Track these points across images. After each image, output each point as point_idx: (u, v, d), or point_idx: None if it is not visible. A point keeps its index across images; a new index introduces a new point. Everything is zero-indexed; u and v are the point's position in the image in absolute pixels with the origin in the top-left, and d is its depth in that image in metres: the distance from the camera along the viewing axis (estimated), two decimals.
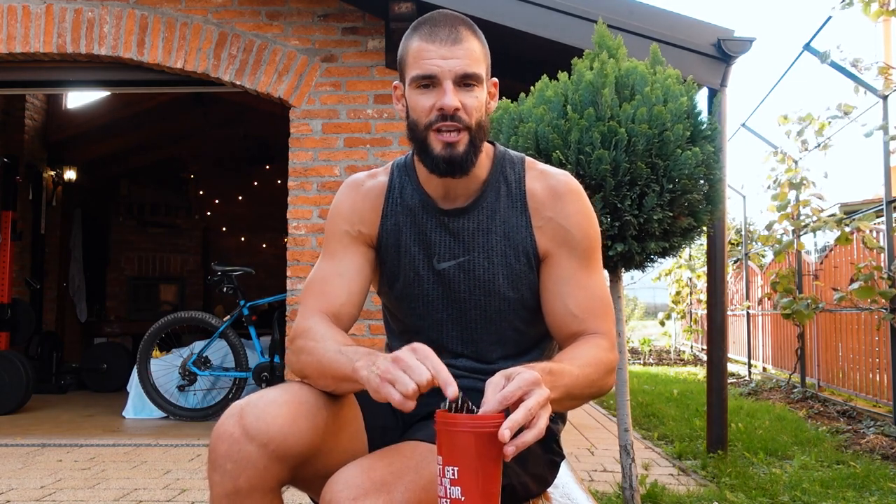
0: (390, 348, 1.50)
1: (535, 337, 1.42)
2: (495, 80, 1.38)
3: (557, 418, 1.45)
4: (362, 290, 1.40)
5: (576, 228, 1.35)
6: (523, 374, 1.03)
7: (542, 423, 1.00)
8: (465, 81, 1.26)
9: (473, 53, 1.27)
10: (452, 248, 1.37)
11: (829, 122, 5.99)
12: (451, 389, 1.01)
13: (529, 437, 0.99)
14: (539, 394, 1.01)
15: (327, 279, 1.38)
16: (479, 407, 1.02)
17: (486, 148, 1.38)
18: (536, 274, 1.37)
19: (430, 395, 1.35)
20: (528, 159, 1.44)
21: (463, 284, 1.37)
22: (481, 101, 1.29)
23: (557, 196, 1.36)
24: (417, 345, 1.08)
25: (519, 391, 1.01)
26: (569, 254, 1.35)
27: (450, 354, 1.40)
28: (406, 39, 1.32)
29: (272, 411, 1.14)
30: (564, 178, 1.39)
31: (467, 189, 1.36)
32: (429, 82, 1.26)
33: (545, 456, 1.39)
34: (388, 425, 1.34)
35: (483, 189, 1.37)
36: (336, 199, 1.46)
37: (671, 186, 2.48)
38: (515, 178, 1.39)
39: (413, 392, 1.01)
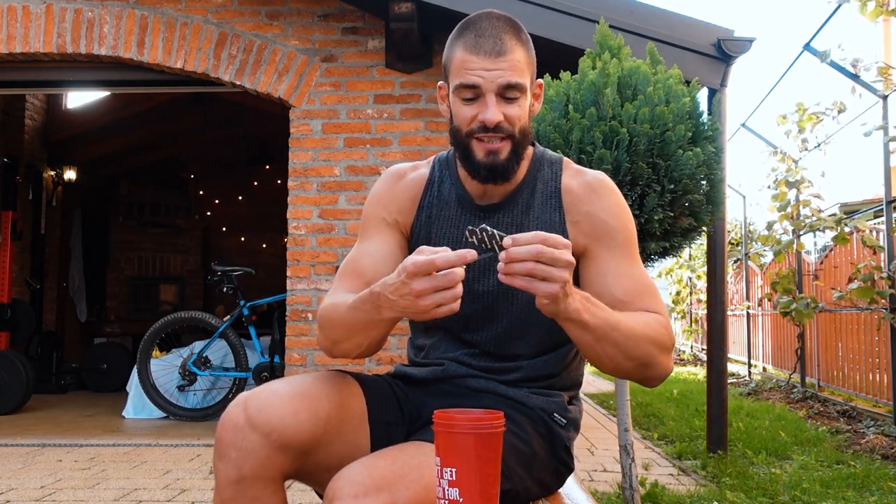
0: (413, 344, 1.52)
1: (560, 337, 1.38)
2: (540, 81, 1.38)
3: (569, 425, 1.42)
4: (391, 272, 1.41)
5: (614, 220, 1.35)
6: (561, 239, 1.06)
7: (542, 287, 1.04)
8: (508, 93, 1.27)
9: (518, 64, 1.27)
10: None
11: (820, 117, 5.98)
12: (469, 255, 1.04)
13: (518, 279, 1.04)
14: (565, 254, 1.04)
15: (358, 259, 1.42)
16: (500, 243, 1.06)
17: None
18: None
19: (437, 396, 1.37)
20: (566, 160, 1.45)
21: (490, 276, 1.36)
22: (524, 109, 1.30)
23: (593, 190, 1.37)
24: (409, 263, 1.05)
25: (553, 241, 1.04)
26: (609, 245, 1.34)
27: (471, 353, 1.40)
28: (451, 44, 1.32)
29: (274, 402, 1.19)
30: (600, 175, 1.41)
31: (505, 189, 1.38)
32: (472, 93, 1.27)
33: (551, 462, 1.37)
34: (392, 421, 1.34)
35: (519, 187, 1.39)
36: (376, 186, 1.49)
37: (672, 187, 2.48)
38: (552, 176, 1.40)
39: (453, 298, 1.04)
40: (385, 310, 1.14)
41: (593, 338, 1.16)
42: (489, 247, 1.07)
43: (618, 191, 1.40)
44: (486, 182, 1.33)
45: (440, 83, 1.38)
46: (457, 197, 1.41)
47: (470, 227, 1.07)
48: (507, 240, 1.05)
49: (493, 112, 1.25)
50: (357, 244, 1.46)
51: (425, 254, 1.05)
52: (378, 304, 1.14)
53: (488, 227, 1.07)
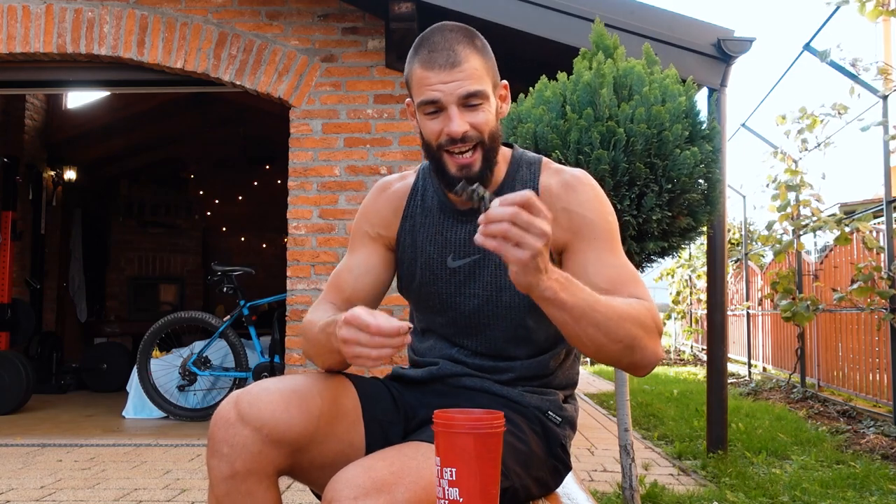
0: (410, 346, 1.54)
1: (547, 338, 1.42)
2: (505, 82, 1.39)
3: (565, 423, 1.44)
4: (372, 287, 1.47)
5: (592, 213, 1.34)
6: (544, 209, 1.04)
7: (512, 252, 1.02)
8: (469, 102, 1.28)
9: (475, 72, 1.28)
10: (466, 246, 1.39)
11: (823, 120, 5.99)
12: (405, 326, 1.10)
13: (491, 241, 1.03)
14: (541, 223, 1.02)
15: (340, 273, 1.49)
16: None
17: (504, 151, 1.41)
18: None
19: (433, 396, 1.38)
20: (546, 160, 1.46)
21: (476, 281, 1.39)
22: (490, 114, 1.31)
23: (570, 188, 1.37)
24: (349, 315, 1.12)
25: (535, 208, 1.02)
26: (588, 238, 1.33)
27: (463, 353, 1.43)
28: (409, 62, 1.34)
29: (265, 398, 1.21)
30: (578, 172, 1.41)
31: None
32: (434, 108, 1.29)
33: (549, 461, 1.39)
34: (388, 419, 1.35)
35: (499, 189, 1.40)
36: (364, 200, 1.54)
37: (670, 186, 2.48)
38: (530, 177, 1.41)
39: (377, 357, 1.11)
40: (334, 340, 1.19)
41: (571, 318, 1.14)
42: (476, 207, 1.09)
43: (597, 186, 1.40)
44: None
45: (407, 101, 1.39)
46: (439, 204, 1.44)
47: (462, 184, 1.11)
48: (495, 202, 1.04)
49: (458, 123, 1.27)
50: (345, 256, 1.52)
51: (375, 318, 1.11)
52: (333, 332, 1.20)
53: (480, 188, 1.10)
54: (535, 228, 1.01)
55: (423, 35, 1.32)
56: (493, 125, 1.32)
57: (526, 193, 1.02)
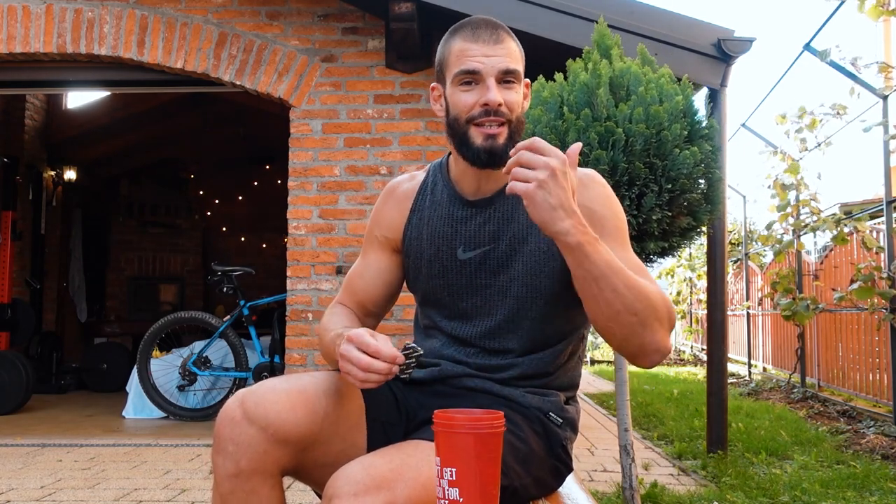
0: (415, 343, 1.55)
1: (554, 334, 1.42)
2: (527, 80, 1.43)
3: (566, 425, 1.43)
4: (382, 290, 1.53)
5: (603, 208, 1.37)
6: (546, 146, 1.12)
7: (519, 187, 1.11)
8: (507, 78, 1.33)
9: (513, 53, 1.36)
10: (477, 237, 1.41)
11: (822, 120, 5.99)
12: (399, 359, 1.17)
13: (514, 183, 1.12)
14: (543, 159, 1.11)
15: (352, 277, 1.56)
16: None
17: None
18: (560, 263, 1.35)
19: (434, 397, 1.38)
20: None
21: (485, 273, 1.40)
22: (520, 97, 1.36)
23: (582, 185, 1.38)
24: (353, 333, 1.19)
25: (536, 147, 1.12)
26: (599, 233, 1.31)
27: (466, 352, 1.43)
28: (446, 42, 1.39)
29: (271, 397, 1.22)
30: (589, 171, 1.45)
31: (497, 184, 1.41)
32: (472, 79, 1.33)
33: (549, 460, 1.39)
34: (389, 420, 1.35)
35: (507, 186, 1.40)
36: (376, 203, 1.59)
37: (670, 186, 2.48)
38: None
39: (363, 379, 1.17)
40: (336, 351, 1.24)
41: (592, 276, 1.16)
42: (414, 361, 1.22)
43: (607, 185, 1.43)
44: (485, 167, 1.35)
45: (433, 84, 1.43)
46: (448, 195, 1.46)
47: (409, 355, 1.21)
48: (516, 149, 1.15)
49: (495, 93, 1.31)
50: (359, 258, 1.58)
51: (376, 340, 1.18)
52: (339, 344, 1.25)
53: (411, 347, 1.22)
54: (535, 163, 1.10)
55: (461, 21, 1.39)
56: (520, 111, 1.36)
57: (531, 140, 1.13)
